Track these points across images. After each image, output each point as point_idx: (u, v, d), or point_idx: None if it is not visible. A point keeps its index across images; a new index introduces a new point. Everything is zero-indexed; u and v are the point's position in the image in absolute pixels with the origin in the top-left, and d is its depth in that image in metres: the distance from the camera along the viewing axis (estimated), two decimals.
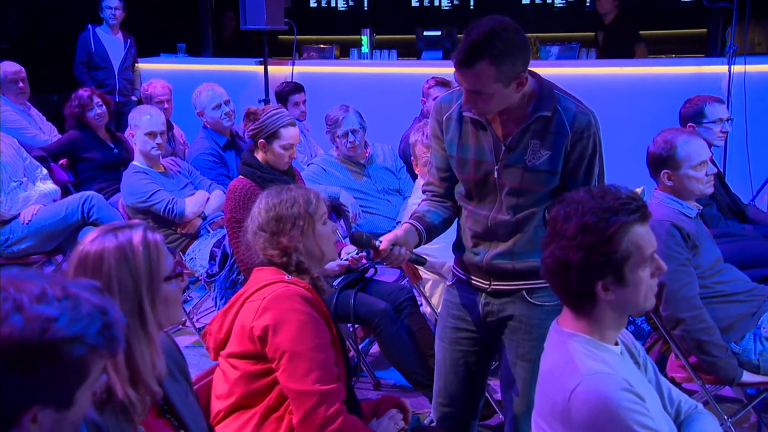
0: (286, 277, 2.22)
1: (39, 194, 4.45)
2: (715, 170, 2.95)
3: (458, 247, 2.43)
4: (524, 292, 2.30)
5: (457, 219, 2.44)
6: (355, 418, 2.17)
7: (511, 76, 2.08)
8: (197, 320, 4.34)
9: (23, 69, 5.43)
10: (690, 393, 2.58)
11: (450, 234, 2.51)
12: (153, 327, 1.68)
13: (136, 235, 1.68)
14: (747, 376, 2.83)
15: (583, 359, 1.72)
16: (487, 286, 2.34)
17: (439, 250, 3.00)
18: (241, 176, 3.39)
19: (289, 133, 3.39)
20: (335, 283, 3.41)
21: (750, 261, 3.41)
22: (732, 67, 5.55)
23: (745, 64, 5.52)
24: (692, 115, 3.91)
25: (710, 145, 3.91)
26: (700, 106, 3.89)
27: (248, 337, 2.15)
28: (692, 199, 2.94)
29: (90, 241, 1.68)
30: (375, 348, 3.94)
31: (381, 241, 2.27)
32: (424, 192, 2.48)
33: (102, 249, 1.65)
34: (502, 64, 2.05)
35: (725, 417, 2.93)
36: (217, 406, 2.21)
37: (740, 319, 2.89)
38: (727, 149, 5.37)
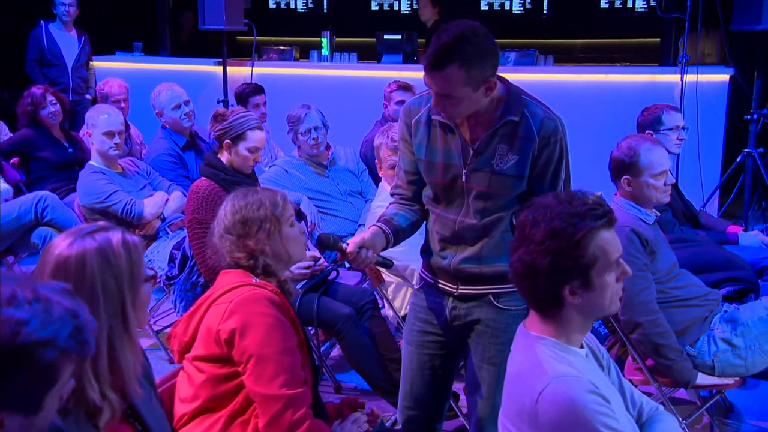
0: (254, 280, 2.20)
1: None
2: (674, 180, 3.01)
3: (426, 251, 2.44)
4: (491, 297, 2.31)
5: (425, 223, 2.45)
6: (321, 422, 2.17)
7: (480, 81, 2.10)
8: (155, 323, 4.27)
9: None
10: (647, 395, 2.62)
11: (413, 238, 2.52)
12: (135, 329, 1.66)
13: (115, 237, 1.65)
14: (701, 379, 2.91)
15: (550, 362, 1.74)
16: (455, 290, 2.35)
17: (403, 253, 3.00)
18: (203, 177, 3.35)
19: (256, 136, 3.37)
20: (298, 287, 3.40)
21: (703, 266, 3.49)
22: (684, 76, 5.69)
23: (697, 73, 5.66)
24: (650, 123, 4.01)
25: (668, 153, 4.01)
26: (657, 114, 4.00)
27: (214, 340, 2.13)
28: (649, 206, 3.01)
29: (67, 245, 1.63)
30: (336, 351, 3.93)
31: (348, 244, 2.27)
32: (392, 195, 2.49)
33: (83, 252, 1.62)
34: (472, 68, 2.06)
35: (680, 419, 2.99)
36: (181, 409, 2.18)
37: (695, 323, 2.96)
38: (680, 156, 5.49)
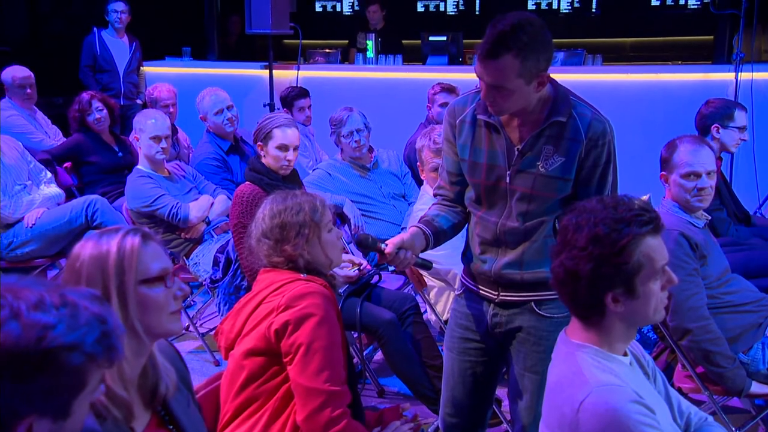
0: (302, 275, 2.22)
1: (43, 198, 4.44)
2: (708, 185, 2.84)
3: (466, 256, 2.41)
4: (533, 304, 2.27)
5: (466, 226, 2.42)
6: (358, 423, 2.16)
7: (534, 74, 2.05)
8: (200, 325, 4.32)
9: (32, 75, 5.42)
10: (697, 404, 2.55)
11: (456, 241, 2.49)
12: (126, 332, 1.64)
13: (116, 237, 1.65)
14: (755, 387, 2.81)
15: (592, 371, 1.70)
16: (496, 297, 2.31)
17: (445, 256, 2.98)
18: (248, 182, 3.37)
19: (282, 134, 3.36)
20: (341, 291, 3.39)
21: (756, 270, 3.39)
22: (739, 74, 5.52)
23: (752, 71, 5.50)
24: (720, 117, 3.91)
25: (724, 150, 3.92)
26: (730, 109, 3.90)
27: (263, 335, 2.14)
28: (693, 210, 2.89)
29: (80, 245, 1.66)
30: (378, 355, 3.92)
31: (387, 245, 2.24)
32: (435, 196, 2.46)
33: (81, 249, 1.64)
34: (527, 59, 2.02)
35: (733, 428, 2.91)
36: (225, 406, 2.21)
37: (748, 330, 2.87)
38: (734, 157, 5.35)
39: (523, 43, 2.00)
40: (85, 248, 1.64)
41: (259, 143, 3.40)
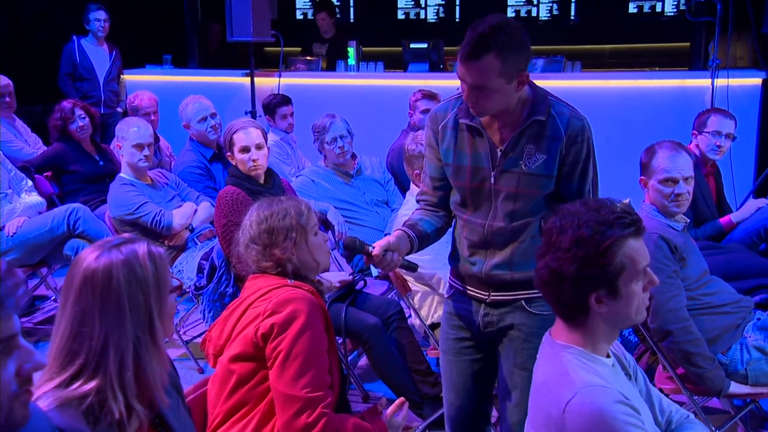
0: (289, 281, 2.24)
1: (24, 206, 4.41)
2: (685, 191, 2.89)
3: (454, 258, 2.44)
4: (523, 302, 2.31)
5: (452, 229, 2.45)
6: (339, 417, 2.17)
7: (514, 73, 2.11)
8: (184, 333, 4.31)
9: (11, 83, 5.37)
10: (678, 404, 2.58)
11: (438, 245, 2.53)
12: (161, 339, 1.66)
13: (141, 249, 1.65)
14: (734, 388, 2.86)
15: (578, 371, 1.73)
16: (486, 297, 2.35)
17: (430, 261, 3.00)
18: (229, 185, 3.40)
19: (241, 136, 3.41)
20: (326, 297, 3.41)
21: (735, 273, 3.44)
22: (715, 80, 5.61)
23: (728, 77, 5.59)
24: (698, 125, 4.09)
25: (705, 157, 4.02)
26: (707, 115, 4.06)
27: (251, 340, 2.15)
28: (671, 214, 2.94)
29: (94, 258, 1.62)
30: (363, 360, 3.93)
31: (374, 247, 2.28)
32: (417, 201, 2.50)
33: (109, 265, 1.61)
34: (507, 60, 2.08)
35: (713, 428, 2.95)
36: (213, 411, 2.21)
37: (726, 331, 2.91)
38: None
39: (503, 43, 2.07)
40: (114, 270, 1.61)
41: (228, 154, 3.47)
